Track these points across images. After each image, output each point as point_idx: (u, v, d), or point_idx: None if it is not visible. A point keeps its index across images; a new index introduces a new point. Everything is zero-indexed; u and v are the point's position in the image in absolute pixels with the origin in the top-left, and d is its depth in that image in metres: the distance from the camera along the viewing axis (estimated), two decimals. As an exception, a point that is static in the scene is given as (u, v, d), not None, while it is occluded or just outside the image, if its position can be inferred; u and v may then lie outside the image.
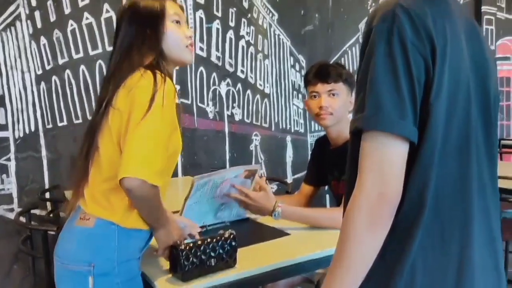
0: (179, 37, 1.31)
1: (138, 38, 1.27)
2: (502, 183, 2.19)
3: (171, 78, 1.27)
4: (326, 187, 2.13)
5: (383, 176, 0.74)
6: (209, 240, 1.29)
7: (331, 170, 1.93)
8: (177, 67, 1.40)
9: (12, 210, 2.59)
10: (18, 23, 2.53)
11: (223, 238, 1.31)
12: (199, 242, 1.27)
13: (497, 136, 0.92)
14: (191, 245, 1.26)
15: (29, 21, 2.56)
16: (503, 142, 4.17)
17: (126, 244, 1.23)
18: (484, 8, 4.36)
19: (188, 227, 1.42)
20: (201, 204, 1.69)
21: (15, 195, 2.60)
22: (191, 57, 1.35)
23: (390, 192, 0.75)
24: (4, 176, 2.56)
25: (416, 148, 0.77)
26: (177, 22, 1.32)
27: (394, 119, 0.74)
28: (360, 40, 3.73)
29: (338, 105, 1.81)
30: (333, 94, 1.82)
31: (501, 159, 4.04)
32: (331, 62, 2.07)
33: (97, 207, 1.24)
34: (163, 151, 1.16)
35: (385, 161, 0.75)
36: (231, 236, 1.33)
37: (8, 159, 2.56)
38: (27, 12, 2.56)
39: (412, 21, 0.76)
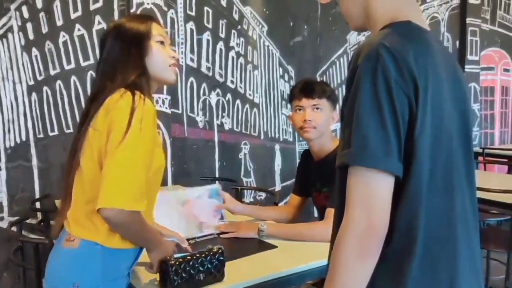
0: (162, 56, 1.33)
1: (123, 56, 1.29)
2: (484, 195, 2.28)
3: (152, 98, 1.30)
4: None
5: (370, 209, 0.78)
6: (198, 255, 1.34)
7: (314, 182, 2.01)
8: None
9: (2, 218, 2.61)
10: (10, 35, 2.56)
11: (211, 253, 1.36)
12: (188, 257, 1.32)
13: (474, 164, 0.97)
14: (181, 260, 1.30)
15: (21, 33, 2.59)
16: (486, 151, 4.26)
17: (112, 263, 1.23)
18: (468, 20, 4.46)
19: (178, 241, 1.46)
20: (172, 217, 1.77)
21: (5, 203, 2.62)
22: (174, 76, 1.37)
23: (377, 224, 0.78)
24: (-6, 186, 2.59)
25: (403, 182, 0.80)
26: (161, 42, 1.34)
27: (379, 155, 0.78)
28: (348, 51, 3.81)
29: (321, 119, 1.89)
30: (317, 109, 1.90)
31: (484, 168, 4.13)
32: (316, 78, 2.16)
33: (81, 229, 1.24)
34: (142, 174, 1.16)
35: (371, 195, 0.78)
36: (219, 251, 1.38)
37: (-2, 168, 2.59)
38: (19, 24, 2.59)
39: (395, 60, 0.79)
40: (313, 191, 2.02)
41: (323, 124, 1.90)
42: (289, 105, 3.59)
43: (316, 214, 2.26)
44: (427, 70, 0.82)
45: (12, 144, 2.61)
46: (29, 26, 2.61)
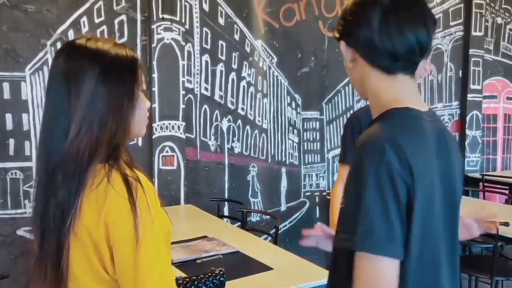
0: (145, 110, 1.05)
1: (113, 108, 0.96)
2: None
3: (133, 161, 1.03)
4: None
5: None
6: (202, 275, 1.60)
7: None
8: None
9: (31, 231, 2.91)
10: (45, 68, 2.88)
11: (213, 274, 1.62)
12: (194, 277, 1.58)
13: (458, 243, 1.05)
14: (188, 279, 1.56)
15: (54, 66, 2.91)
16: (486, 177, 4.42)
17: None
18: (471, 51, 4.66)
19: None
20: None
21: (34, 217, 2.92)
22: (145, 130, 1.09)
23: None
24: (26, 201, 2.89)
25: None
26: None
27: (383, 243, 0.86)
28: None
29: None
30: None
31: (483, 196, 4.29)
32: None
33: None
34: (170, 269, 0.99)
35: (376, 278, 0.87)
36: (220, 272, 1.63)
37: (31, 186, 2.89)
38: (54, 58, 2.90)
39: (396, 153, 0.88)
40: None
41: None
42: (295, 131, 3.87)
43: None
44: (420, 159, 0.91)
45: (43, 165, 2.91)
46: (61, 59, 2.92)
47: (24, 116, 2.87)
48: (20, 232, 2.90)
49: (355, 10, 1.00)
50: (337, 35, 1.04)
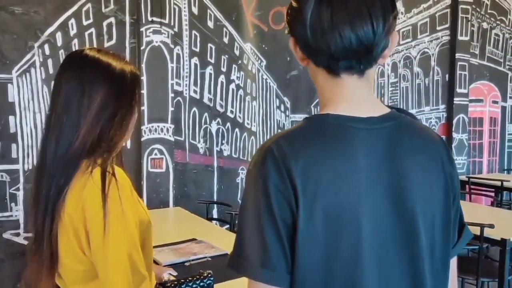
0: (135, 117, 1.21)
1: (115, 117, 1.12)
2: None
3: (122, 161, 1.21)
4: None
5: None
6: (190, 278, 1.60)
7: None
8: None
9: (18, 234, 2.89)
10: (32, 70, 2.87)
11: (201, 277, 1.62)
12: (182, 280, 1.58)
13: (424, 268, 0.83)
14: (175, 282, 1.56)
15: (42, 68, 2.89)
16: (472, 180, 4.48)
17: None
18: (458, 55, 4.73)
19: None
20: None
21: (21, 221, 2.90)
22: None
23: None
24: (13, 204, 2.87)
25: None
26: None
27: (254, 266, 0.76)
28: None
29: None
30: None
31: (470, 198, 4.34)
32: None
33: None
34: (137, 252, 1.07)
35: None
36: (208, 275, 1.64)
37: (17, 189, 2.87)
38: (41, 60, 2.89)
39: (278, 168, 0.76)
40: None
41: None
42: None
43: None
44: (320, 175, 0.76)
45: (30, 167, 2.89)
46: (49, 61, 2.91)
47: (11, 118, 2.85)
48: (7, 235, 2.87)
49: (293, 3, 0.85)
50: (286, 32, 0.89)
